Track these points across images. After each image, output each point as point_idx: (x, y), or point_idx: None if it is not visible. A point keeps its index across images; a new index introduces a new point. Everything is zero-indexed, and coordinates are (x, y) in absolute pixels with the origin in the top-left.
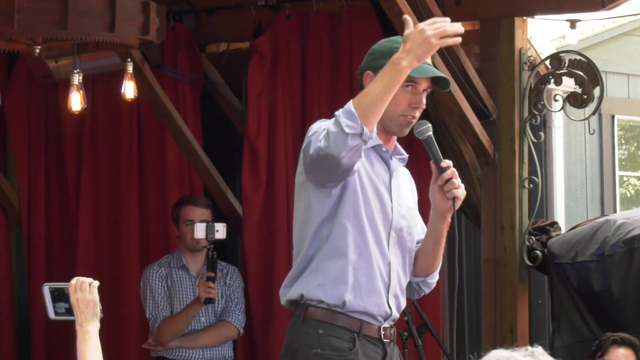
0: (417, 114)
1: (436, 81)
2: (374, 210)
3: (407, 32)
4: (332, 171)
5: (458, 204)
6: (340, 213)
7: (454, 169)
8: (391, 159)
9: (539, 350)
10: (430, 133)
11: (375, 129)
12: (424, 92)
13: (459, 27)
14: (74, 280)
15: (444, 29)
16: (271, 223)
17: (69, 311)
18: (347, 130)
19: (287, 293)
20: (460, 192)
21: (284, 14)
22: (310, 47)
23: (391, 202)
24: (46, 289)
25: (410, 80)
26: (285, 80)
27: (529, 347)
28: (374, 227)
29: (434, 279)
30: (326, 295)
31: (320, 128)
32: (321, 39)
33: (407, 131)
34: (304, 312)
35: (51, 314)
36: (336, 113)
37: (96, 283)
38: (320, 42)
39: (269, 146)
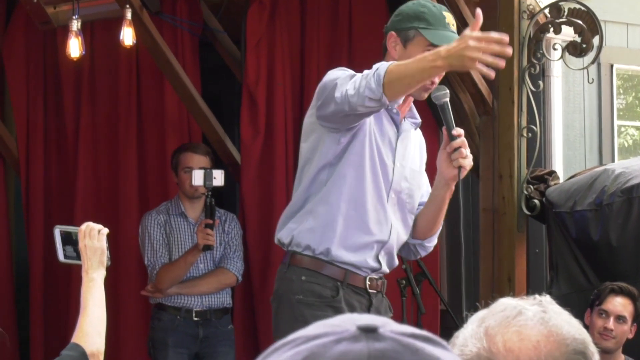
0: (437, 80)
1: None
2: (377, 167)
3: (466, 31)
4: (344, 117)
5: (463, 173)
6: (343, 162)
7: (464, 139)
8: (404, 120)
9: (547, 299)
10: (447, 99)
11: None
12: None
13: (507, 51)
14: (83, 226)
15: (486, 52)
16: (269, 171)
17: (78, 255)
18: (367, 92)
19: (280, 232)
20: (467, 162)
21: None
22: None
23: (393, 163)
24: (57, 232)
25: (432, 45)
26: (284, 27)
27: (537, 296)
28: (376, 184)
29: (432, 242)
30: (314, 240)
31: (342, 72)
32: (320, 9)
33: (425, 95)
34: (290, 258)
35: (60, 257)
36: (375, 65)
37: (105, 230)
38: (319, 11)
39: (268, 94)
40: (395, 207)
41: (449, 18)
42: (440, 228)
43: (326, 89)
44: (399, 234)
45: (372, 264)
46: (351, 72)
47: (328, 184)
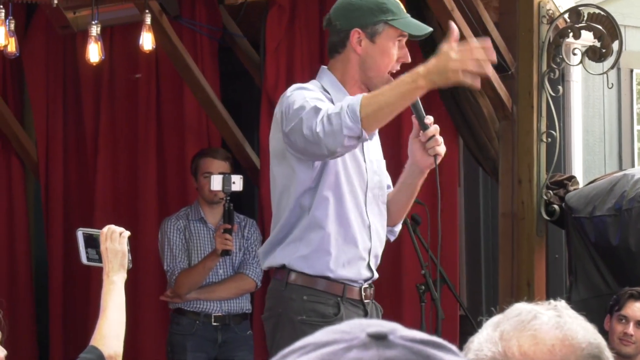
0: (398, 67)
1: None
2: (352, 175)
3: (444, 46)
4: (320, 156)
5: (439, 160)
6: (322, 183)
7: (437, 126)
8: None
9: (562, 304)
10: None
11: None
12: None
13: (491, 56)
14: (105, 229)
15: (470, 63)
16: None
17: (100, 258)
18: (345, 132)
19: (268, 260)
20: (442, 149)
21: None
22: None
23: (364, 162)
24: (80, 234)
25: (402, 35)
26: (304, 32)
27: (552, 301)
28: (353, 193)
29: (399, 227)
30: (309, 267)
31: (305, 101)
32: None
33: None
34: (287, 276)
35: (83, 259)
36: (342, 105)
37: (127, 233)
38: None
39: None
40: (372, 205)
41: (401, 4)
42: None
43: (290, 118)
44: (379, 233)
45: (366, 273)
46: (312, 99)
47: (312, 209)
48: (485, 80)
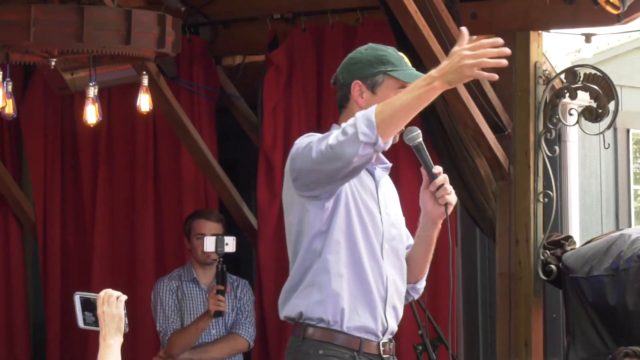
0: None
1: None
2: (366, 223)
3: (455, 48)
4: (336, 172)
5: (450, 209)
6: (333, 227)
7: (445, 175)
8: (375, 168)
9: None
10: (421, 139)
11: (389, 141)
12: None
13: (505, 50)
14: (102, 293)
15: (483, 58)
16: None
17: (97, 322)
18: (361, 137)
19: (285, 308)
20: (452, 198)
21: (299, 27)
22: (325, 61)
23: (380, 213)
24: (77, 298)
25: (403, 87)
26: (301, 93)
27: None
28: (368, 240)
29: (422, 284)
30: (326, 312)
31: (311, 139)
32: (337, 52)
33: (397, 138)
34: (303, 332)
35: (80, 323)
36: (357, 114)
37: (124, 297)
38: (335, 56)
39: (285, 159)
40: (391, 257)
41: (405, 58)
42: (428, 269)
43: (298, 157)
44: (397, 285)
45: (382, 324)
46: (317, 134)
47: (324, 252)
48: (482, 141)
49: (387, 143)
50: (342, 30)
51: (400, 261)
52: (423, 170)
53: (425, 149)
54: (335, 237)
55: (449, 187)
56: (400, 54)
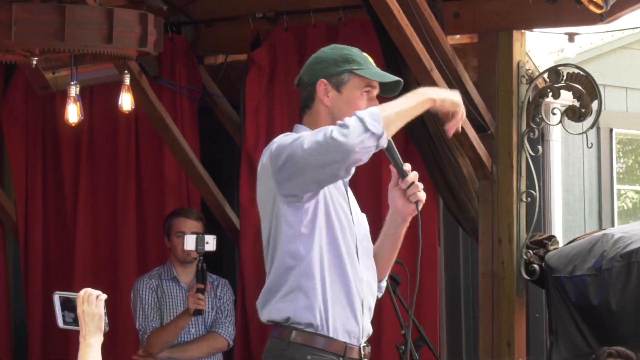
0: None
1: (386, 88)
2: (343, 224)
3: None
4: (332, 164)
5: (420, 206)
6: (315, 229)
7: (416, 172)
8: None
9: None
10: (390, 138)
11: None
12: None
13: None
14: (82, 292)
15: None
16: None
17: (76, 321)
18: (370, 127)
19: (267, 312)
20: (423, 195)
21: (281, 26)
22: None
23: (351, 214)
24: (56, 297)
25: (369, 85)
26: (283, 92)
27: None
28: (346, 242)
29: (384, 283)
30: (314, 317)
31: (295, 136)
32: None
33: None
34: (289, 335)
35: (60, 323)
36: (357, 113)
37: (103, 296)
38: None
39: None
40: (364, 258)
41: (370, 58)
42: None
43: (285, 150)
44: (371, 286)
45: (362, 327)
46: (304, 133)
47: (307, 255)
48: (465, 140)
49: (387, 142)
50: (324, 29)
51: (371, 260)
52: (392, 168)
53: (395, 147)
54: (318, 240)
55: (420, 185)
56: (365, 54)
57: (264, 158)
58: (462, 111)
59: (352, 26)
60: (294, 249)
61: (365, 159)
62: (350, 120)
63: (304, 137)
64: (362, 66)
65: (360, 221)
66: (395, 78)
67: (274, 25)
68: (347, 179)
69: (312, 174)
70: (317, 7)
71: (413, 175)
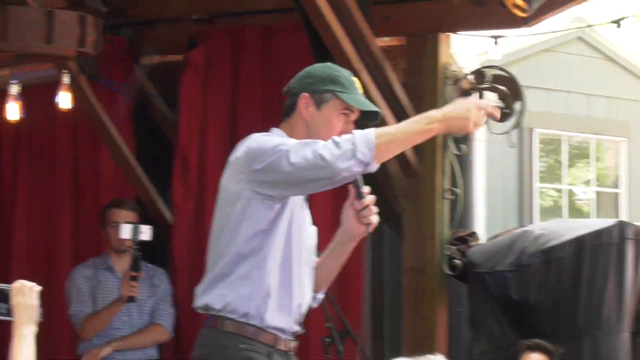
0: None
1: (366, 114)
2: (298, 232)
3: (462, 99)
4: (317, 181)
5: (371, 229)
6: (276, 228)
7: (373, 196)
8: None
9: (438, 357)
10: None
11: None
12: (353, 122)
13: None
14: (16, 283)
15: (483, 118)
16: (201, 231)
17: (10, 312)
18: (359, 155)
19: (207, 296)
20: (376, 219)
21: (217, 28)
22: (242, 61)
23: (304, 223)
24: None
25: (348, 109)
26: (217, 92)
27: (428, 355)
28: (297, 247)
29: (322, 295)
30: (252, 307)
31: (281, 141)
32: (253, 53)
33: None
34: (222, 325)
35: None
36: (355, 132)
37: (38, 288)
38: (251, 56)
39: (200, 156)
40: (304, 266)
41: (358, 83)
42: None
43: (267, 154)
44: (309, 292)
45: (295, 327)
46: (287, 139)
47: (264, 250)
48: None
49: (377, 166)
50: (259, 31)
51: (312, 271)
52: (351, 187)
53: None
54: (276, 238)
55: (374, 208)
56: (354, 78)
57: (239, 152)
58: (471, 125)
59: (285, 29)
60: (253, 241)
61: (353, 175)
62: (344, 143)
63: (288, 146)
64: (346, 90)
65: (310, 233)
66: (375, 108)
67: (210, 27)
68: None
69: (296, 186)
70: (251, 10)
71: (369, 198)
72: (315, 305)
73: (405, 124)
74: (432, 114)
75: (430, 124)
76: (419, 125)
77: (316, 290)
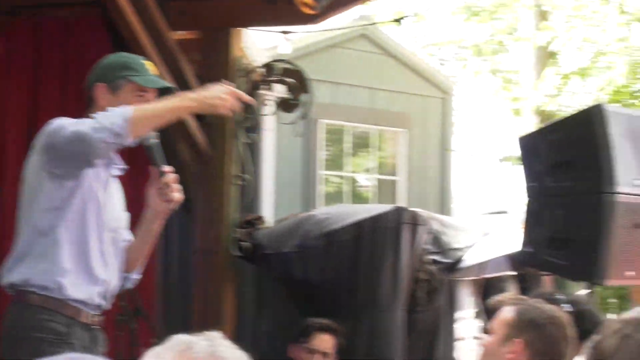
0: None
1: (162, 91)
2: (97, 209)
3: (217, 86)
4: (82, 154)
5: (173, 206)
6: (69, 206)
7: (175, 175)
8: (111, 167)
9: (216, 334)
10: (155, 140)
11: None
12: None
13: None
14: None
15: (233, 101)
16: (1, 217)
17: None
18: (113, 127)
19: (10, 275)
20: (178, 196)
21: (19, 19)
22: (43, 52)
23: (105, 205)
24: None
25: (142, 90)
26: (20, 83)
27: (206, 332)
28: (96, 225)
29: (137, 275)
30: (50, 281)
31: (71, 121)
32: (54, 46)
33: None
34: (25, 298)
35: None
36: (114, 109)
37: None
38: (52, 48)
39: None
40: (112, 246)
41: (148, 64)
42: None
43: (53, 134)
44: (115, 271)
45: (98, 301)
46: (72, 119)
47: (57, 228)
48: (184, 127)
49: (134, 141)
50: (60, 24)
51: (118, 251)
52: (153, 168)
53: (158, 148)
54: (68, 216)
55: (176, 186)
56: (145, 61)
57: (42, 135)
58: (224, 108)
59: (85, 22)
60: (47, 219)
61: (110, 151)
62: (103, 117)
63: (69, 124)
64: (137, 73)
65: (116, 216)
66: (167, 84)
67: (11, 19)
68: (112, 177)
69: (66, 160)
70: (52, 2)
71: (171, 177)
72: (130, 286)
73: (162, 101)
74: (188, 94)
75: (183, 101)
76: (174, 102)
77: (127, 271)
